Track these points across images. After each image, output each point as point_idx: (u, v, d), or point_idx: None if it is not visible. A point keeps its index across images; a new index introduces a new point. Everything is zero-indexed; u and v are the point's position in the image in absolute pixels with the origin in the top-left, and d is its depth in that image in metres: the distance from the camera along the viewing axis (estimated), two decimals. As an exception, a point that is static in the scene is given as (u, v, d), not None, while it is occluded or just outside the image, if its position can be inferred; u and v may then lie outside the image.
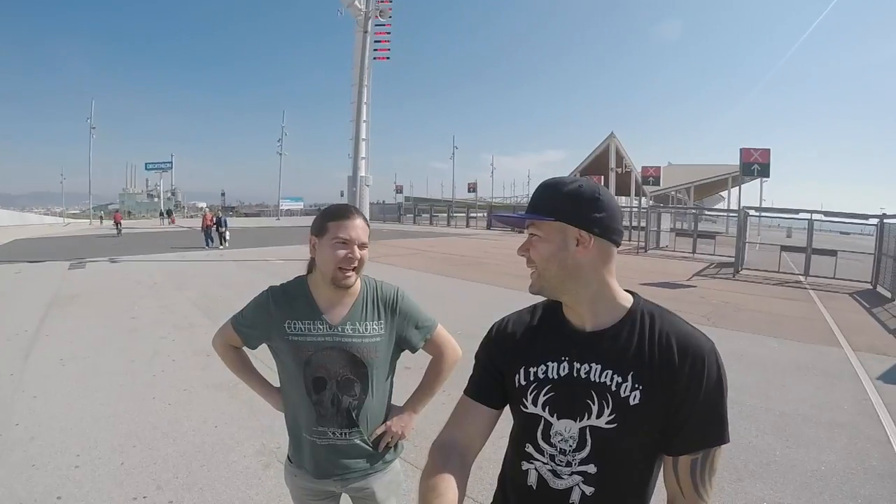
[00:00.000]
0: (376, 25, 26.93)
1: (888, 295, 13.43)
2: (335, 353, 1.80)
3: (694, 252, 23.15)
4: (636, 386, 1.14)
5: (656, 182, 30.90)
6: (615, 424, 1.15)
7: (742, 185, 30.22)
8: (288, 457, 2.00)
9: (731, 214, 27.89)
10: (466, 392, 1.36)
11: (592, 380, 1.17)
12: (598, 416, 1.16)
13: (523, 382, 1.25)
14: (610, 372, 1.16)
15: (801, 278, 16.31)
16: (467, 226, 46.21)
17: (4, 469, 3.74)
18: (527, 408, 1.24)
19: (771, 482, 3.73)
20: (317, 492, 1.94)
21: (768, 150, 20.43)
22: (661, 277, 14.72)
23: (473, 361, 1.40)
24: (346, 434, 1.85)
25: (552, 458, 1.20)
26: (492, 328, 1.39)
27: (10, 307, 9.82)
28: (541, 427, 1.22)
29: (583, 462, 1.18)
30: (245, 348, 2.01)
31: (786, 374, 6.33)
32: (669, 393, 1.13)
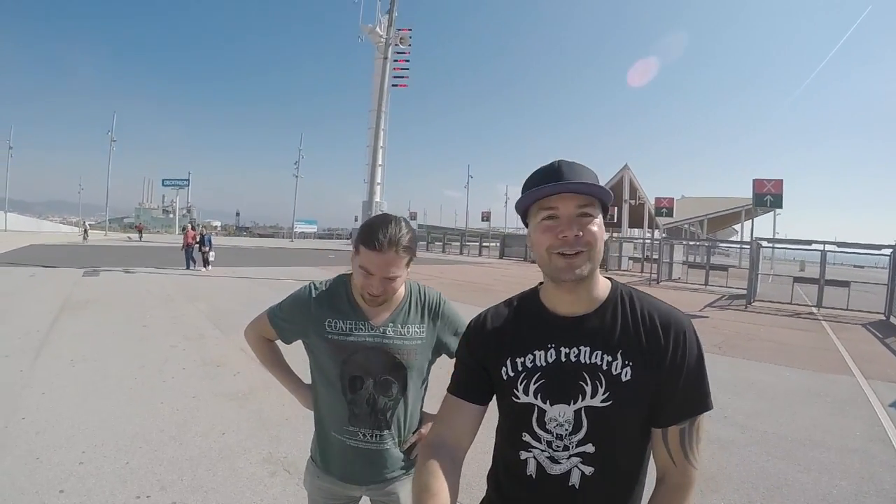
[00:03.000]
0: (396, 52, 27.30)
1: None
2: (376, 353, 1.78)
3: (706, 284, 23.02)
4: (626, 363, 1.18)
5: (669, 213, 30.88)
6: (610, 402, 1.17)
7: (756, 218, 30.13)
8: (311, 457, 1.96)
9: (743, 246, 27.73)
10: (450, 390, 1.36)
11: (583, 362, 1.20)
12: (593, 396, 1.18)
13: (511, 374, 1.25)
14: (599, 352, 1.19)
15: (814, 310, 16.17)
16: (479, 254, 46.06)
17: (8, 460, 3.76)
18: (518, 398, 1.24)
19: (782, 506, 3.66)
20: (338, 495, 1.90)
21: (781, 180, 20.34)
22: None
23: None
24: (376, 436, 1.82)
25: (549, 444, 1.21)
26: (470, 324, 1.40)
27: (23, 308, 9.94)
28: (535, 415, 1.22)
29: (580, 443, 1.19)
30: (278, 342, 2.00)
31: (797, 402, 6.24)
32: (658, 367, 1.18)
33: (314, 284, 1.89)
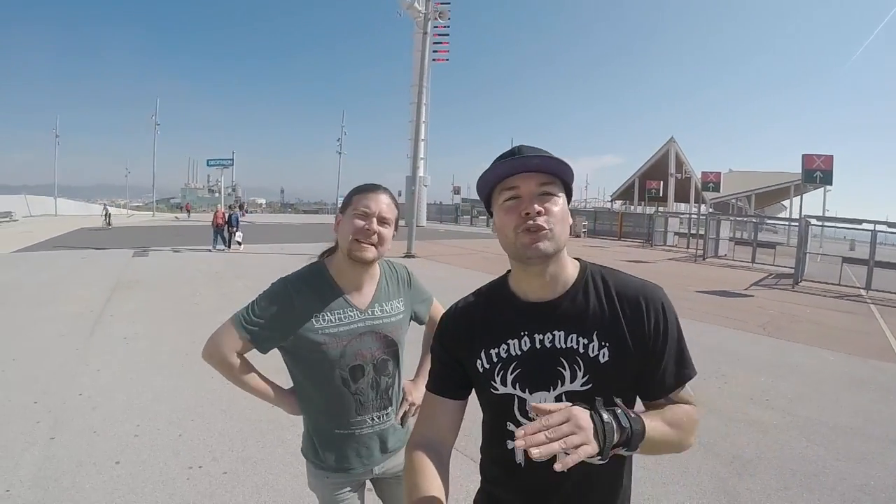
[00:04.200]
0: (435, 27, 27.08)
1: None
2: (369, 337, 1.78)
3: (753, 262, 22.40)
4: (603, 344, 1.17)
5: (716, 188, 29.97)
6: (590, 385, 1.16)
7: (805, 195, 29.19)
8: (309, 460, 1.88)
9: (792, 224, 26.94)
10: (428, 388, 1.35)
11: (558, 346, 1.19)
12: (573, 381, 1.17)
13: (487, 366, 1.24)
14: (574, 335, 1.18)
15: (863, 292, 15.60)
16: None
17: (67, 434, 4.03)
18: (497, 389, 1.23)
19: (818, 493, 3.65)
20: (347, 487, 1.87)
21: (831, 156, 19.41)
22: (718, 286, 14.33)
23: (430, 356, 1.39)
24: (383, 417, 1.85)
25: None
26: (442, 319, 1.38)
27: (76, 289, 10.40)
28: (516, 404, 1.22)
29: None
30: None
31: (840, 388, 6.12)
32: (638, 343, 1.17)
33: (286, 279, 1.79)
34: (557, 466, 0.91)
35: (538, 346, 1.20)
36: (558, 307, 1.21)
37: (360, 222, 1.68)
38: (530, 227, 1.13)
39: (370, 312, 1.79)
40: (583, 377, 1.16)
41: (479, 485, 1.40)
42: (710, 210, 37.91)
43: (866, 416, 5.20)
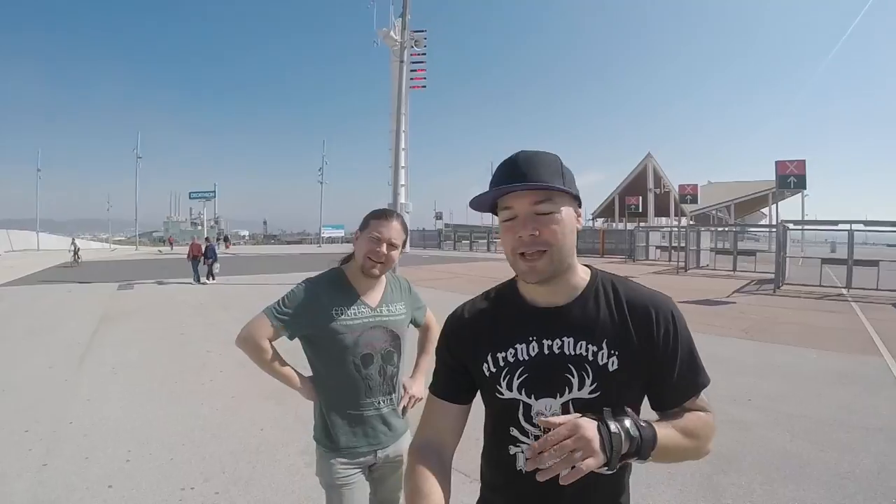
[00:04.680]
0: (412, 55, 27.36)
1: None
2: (378, 331, 2.11)
3: (734, 270, 22.86)
4: (612, 352, 1.16)
5: (694, 200, 30.60)
6: (598, 393, 1.15)
7: (783, 201, 29.66)
8: (320, 443, 2.12)
9: (771, 230, 27.37)
10: (432, 391, 1.34)
11: (567, 353, 1.17)
12: (580, 388, 1.16)
13: (493, 370, 1.22)
14: (584, 342, 1.17)
15: (844, 291, 16.01)
16: (487, 249, 45.92)
17: (59, 460, 4.03)
18: (503, 394, 1.21)
19: (804, 484, 3.72)
20: (354, 471, 2.08)
21: (804, 161, 19.96)
22: (701, 295, 14.53)
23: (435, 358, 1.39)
24: (389, 401, 2.14)
25: (537, 438, 1.12)
26: (447, 322, 1.36)
27: (64, 322, 10.35)
28: (521, 409, 1.20)
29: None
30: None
31: (823, 383, 6.25)
32: (648, 353, 1.17)
33: (311, 280, 2.15)
34: (563, 481, 0.97)
35: (546, 351, 1.19)
36: (568, 314, 1.20)
37: (374, 245, 2.03)
38: (527, 252, 1.12)
39: (379, 310, 2.13)
40: (591, 385, 1.15)
41: (470, 498, 1.42)
42: (691, 222, 38.35)
43: (850, 409, 5.31)
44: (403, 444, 2.17)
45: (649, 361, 1.17)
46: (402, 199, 24.64)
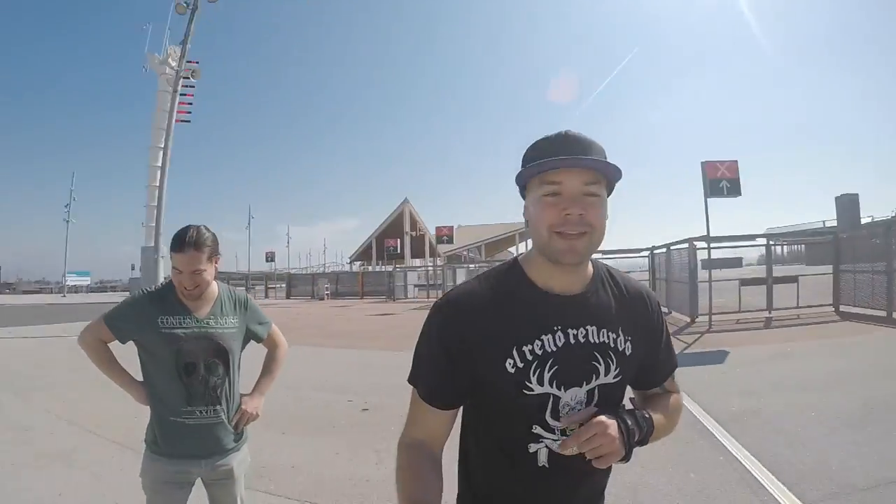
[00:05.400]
0: (184, 86, 25.24)
1: (666, 310, 14.61)
2: (203, 341, 2.12)
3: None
4: (627, 338, 1.19)
5: (450, 240, 32.39)
6: (619, 377, 1.17)
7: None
8: (148, 446, 2.15)
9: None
10: (421, 396, 1.19)
11: (592, 341, 1.15)
12: (606, 374, 1.15)
13: (521, 364, 1.11)
14: (605, 330, 1.16)
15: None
16: (266, 296, 44.15)
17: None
18: (532, 390, 1.11)
19: None
20: (175, 477, 2.10)
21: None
22: None
23: (414, 352, 1.22)
24: (211, 411, 2.12)
25: (563, 431, 1.13)
26: (438, 314, 1.18)
27: None
28: (549, 406, 1.13)
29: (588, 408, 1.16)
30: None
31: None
32: (648, 336, 1.25)
33: (143, 289, 2.23)
34: (597, 465, 1.06)
35: (573, 341, 1.14)
36: (586, 301, 1.17)
37: (179, 278, 2.08)
38: (569, 231, 1.06)
39: (206, 322, 2.15)
40: (615, 370, 1.16)
41: None
42: (444, 262, 40.48)
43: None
44: (234, 459, 2.21)
45: (646, 344, 1.24)
46: (154, 242, 22.10)
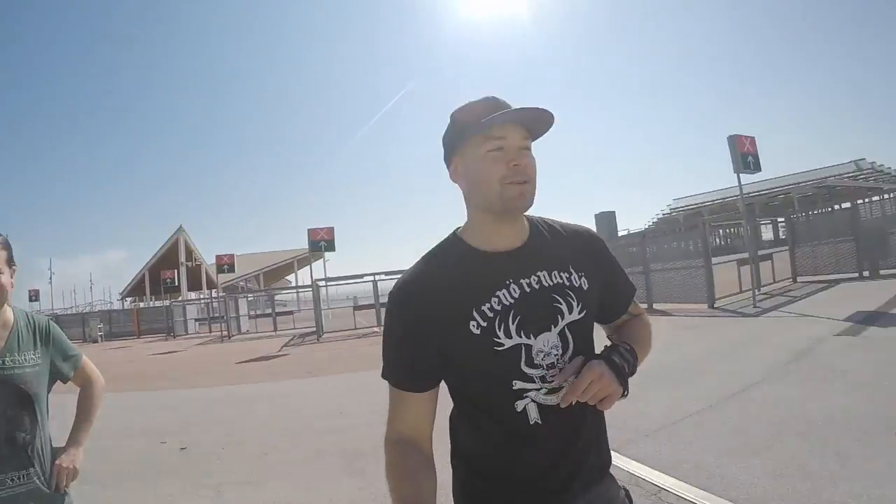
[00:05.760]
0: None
1: None
2: (1, 387, 1.65)
3: (276, 330, 23.91)
4: (580, 273, 1.24)
5: (231, 269, 31.27)
6: (584, 312, 1.22)
7: (317, 262, 32.75)
8: None
9: (304, 290, 29.89)
10: (393, 384, 1.22)
11: (546, 284, 1.20)
12: (570, 312, 1.19)
13: (484, 323, 1.15)
14: (556, 271, 1.21)
15: (377, 328, 18.82)
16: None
17: None
18: (503, 344, 1.15)
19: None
20: None
21: (332, 227, 22.91)
22: (255, 354, 14.82)
23: (383, 345, 1.25)
24: (24, 477, 1.67)
25: (542, 378, 1.16)
26: (396, 299, 1.22)
27: None
28: (523, 355, 1.15)
29: (573, 359, 1.19)
30: None
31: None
32: (599, 267, 1.29)
33: None
34: (601, 407, 1.13)
35: (527, 289, 1.18)
36: (530, 250, 1.23)
37: None
38: (519, 179, 1.14)
39: (1, 362, 1.67)
40: (578, 306, 1.20)
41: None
42: (222, 294, 38.85)
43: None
44: None
45: (599, 276, 1.28)
46: None
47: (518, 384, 1.15)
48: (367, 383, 8.03)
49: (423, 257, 1.26)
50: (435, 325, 1.16)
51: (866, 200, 19.88)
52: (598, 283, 1.27)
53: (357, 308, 21.71)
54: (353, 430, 5.59)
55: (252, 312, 29.45)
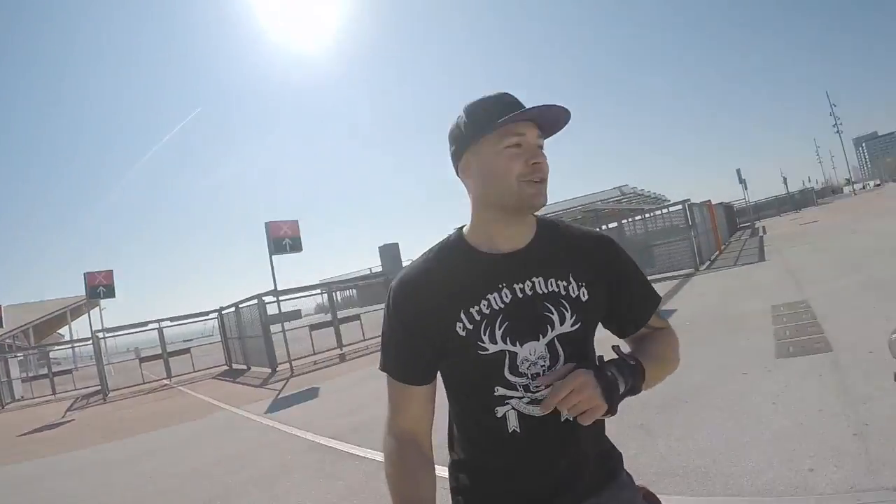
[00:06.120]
0: None
1: (244, 367, 17.37)
2: None
3: (54, 393, 21.17)
4: (580, 283, 1.19)
5: (0, 324, 27.41)
6: (579, 324, 1.17)
7: (91, 312, 29.26)
8: None
9: (82, 344, 26.73)
10: (392, 376, 1.23)
11: (540, 292, 1.16)
12: (562, 323, 1.16)
13: (470, 326, 1.15)
14: (553, 279, 1.18)
15: (167, 381, 18.20)
16: None
17: None
18: (487, 349, 1.14)
19: None
20: None
21: (111, 270, 20.47)
22: (36, 424, 13.04)
23: (381, 340, 1.26)
24: None
25: (526, 387, 1.14)
26: (395, 293, 1.22)
27: None
28: (507, 362, 1.14)
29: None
30: None
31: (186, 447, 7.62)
32: (609, 278, 1.23)
33: None
34: (582, 421, 1.04)
35: (520, 295, 1.16)
36: (530, 254, 1.20)
37: None
38: (536, 178, 1.13)
39: None
40: (571, 317, 1.17)
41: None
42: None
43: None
44: None
45: (607, 287, 1.23)
46: None
47: (500, 390, 1.15)
48: (167, 447, 8.01)
49: (424, 254, 1.26)
50: (428, 320, 1.16)
51: (630, 220, 23.77)
52: (603, 294, 1.23)
53: (142, 360, 20.55)
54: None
55: (24, 374, 26.05)
